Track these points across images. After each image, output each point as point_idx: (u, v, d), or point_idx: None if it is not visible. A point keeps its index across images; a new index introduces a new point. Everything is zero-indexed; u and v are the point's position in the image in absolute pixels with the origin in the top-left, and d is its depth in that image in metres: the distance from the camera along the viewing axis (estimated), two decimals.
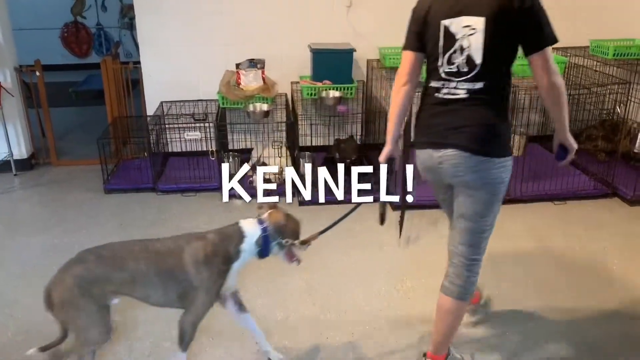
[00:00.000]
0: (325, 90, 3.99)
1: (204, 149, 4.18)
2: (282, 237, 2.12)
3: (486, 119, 1.97)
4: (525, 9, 1.84)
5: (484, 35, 1.89)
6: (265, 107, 4.00)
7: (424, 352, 2.28)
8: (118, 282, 1.93)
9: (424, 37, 2.04)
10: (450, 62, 1.99)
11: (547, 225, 3.47)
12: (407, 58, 2.11)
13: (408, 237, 3.35)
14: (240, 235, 2.06)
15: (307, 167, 4.03)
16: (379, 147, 4.02)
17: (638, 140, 3.91)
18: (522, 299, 2.77)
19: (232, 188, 3.86)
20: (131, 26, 7.77)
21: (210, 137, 4.08)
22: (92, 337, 1.95)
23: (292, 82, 4.42)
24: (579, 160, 4.28)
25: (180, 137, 4.32)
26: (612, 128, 4.26)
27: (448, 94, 2.01)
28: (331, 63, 4.02)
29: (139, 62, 4.38)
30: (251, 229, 2.08)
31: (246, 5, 4.27)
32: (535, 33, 1.87)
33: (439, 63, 2.01)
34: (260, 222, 2.11)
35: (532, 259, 3.14)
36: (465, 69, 1.96)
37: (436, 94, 2.05)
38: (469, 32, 1.92)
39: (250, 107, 4.00)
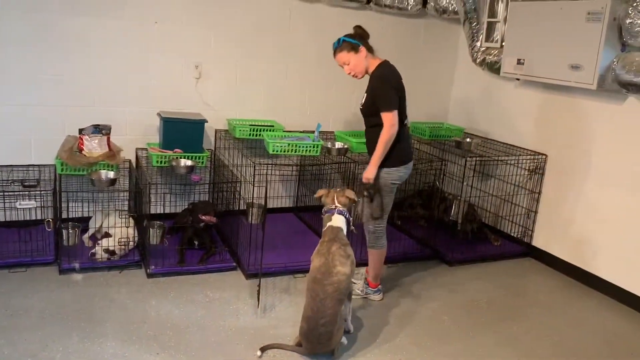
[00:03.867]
0: (176, 158, 3.97)
1: (37, 218, 3.81)
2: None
3: None
4: None
5: None
6: (111, 174, 3.82)
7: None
8: None
9: (400, 98, 3.30)
10: (406, 106, 3.40)
11: (384, 287, 3.79)
12: (396, 115, 3.23)
13: (264, 305, 3.42)
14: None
15: (157, 237, 3.93)
16: (230, 214, 4.11)
17: (453, 209, 4.56)
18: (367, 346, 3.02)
19: (70, 261, 3.58)
20: None
21: (47, 205, 3.75)
22: None
23: (137, 149, 4.32)
24: (406, 226, 4.83)
25: (6, 206, 3.89)
26: (428, 197, 4.90)
27: (408, 125, 3.46)
28: (182, 132, 4.03)
29: None
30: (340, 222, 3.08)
31: (88, 69, 4.11)
32: None
33: (405, 108, 3.37)
34: (340, 212, 3.09)
35: (374, 315, 3.43)
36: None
37: (406, 127, 3.42)
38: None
39: (95, 175, 3.79)
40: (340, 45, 3.29)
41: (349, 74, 3.37)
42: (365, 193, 3.34)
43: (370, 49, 3.33)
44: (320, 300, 2.79)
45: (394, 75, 3.31)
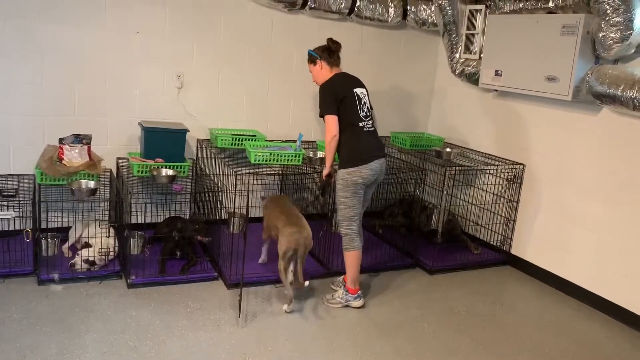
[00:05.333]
0: (157, 168, 3.96)
1: (16, 228, 3.77)
2: None
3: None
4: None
5: (368, 97, 3.63)
6: (92, 184, 3.80)
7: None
8: None
9: (341, 104, 3.46)
10: (362, 110, 3.51)
11: (365, 295, 3.82)
12: (335, 119, 3.45)
13: (245, 315, 3.42)
14: None
15: (137, 247, 3.91)
16: (211, 223, 4.11)
17: (434, 218, 4.61)
18: (347, 353, 3.03)
19: (49, 272, 3.54)
20: None
21: (26, 215, 3.71)
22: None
23: (118, 158, 4.30)
24: (386, 235, 4.87)
25: None
26: (409, 206, 4.96)
27: (366, 127, 3.51)
28: (164, 142, 4.03)
29: None
30: None
31: (69, 78, 4.09)
32: None
33: (359, 111, 3.50)
34: None
35: (354, 322, 3.45)
36: (368, 113, 3.57)
37: (363, 129, 3.51)
38: (363, 95, 3.57)
39: (76, 185, 3.77)
40: (307, 56, 3.67)
41: (313, 81, 3.70)
42: (319, 191, 3.82)
43: (333, 62, 3.60)
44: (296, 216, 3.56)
45: (339, 84, 3.54)
